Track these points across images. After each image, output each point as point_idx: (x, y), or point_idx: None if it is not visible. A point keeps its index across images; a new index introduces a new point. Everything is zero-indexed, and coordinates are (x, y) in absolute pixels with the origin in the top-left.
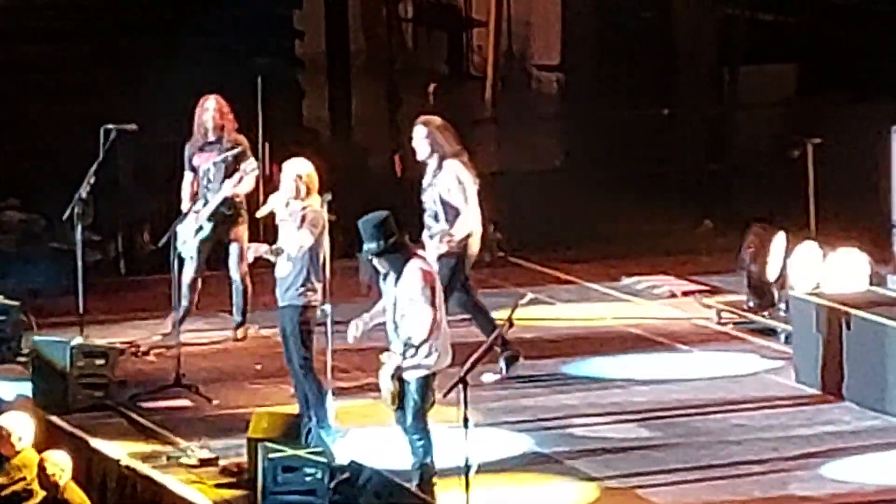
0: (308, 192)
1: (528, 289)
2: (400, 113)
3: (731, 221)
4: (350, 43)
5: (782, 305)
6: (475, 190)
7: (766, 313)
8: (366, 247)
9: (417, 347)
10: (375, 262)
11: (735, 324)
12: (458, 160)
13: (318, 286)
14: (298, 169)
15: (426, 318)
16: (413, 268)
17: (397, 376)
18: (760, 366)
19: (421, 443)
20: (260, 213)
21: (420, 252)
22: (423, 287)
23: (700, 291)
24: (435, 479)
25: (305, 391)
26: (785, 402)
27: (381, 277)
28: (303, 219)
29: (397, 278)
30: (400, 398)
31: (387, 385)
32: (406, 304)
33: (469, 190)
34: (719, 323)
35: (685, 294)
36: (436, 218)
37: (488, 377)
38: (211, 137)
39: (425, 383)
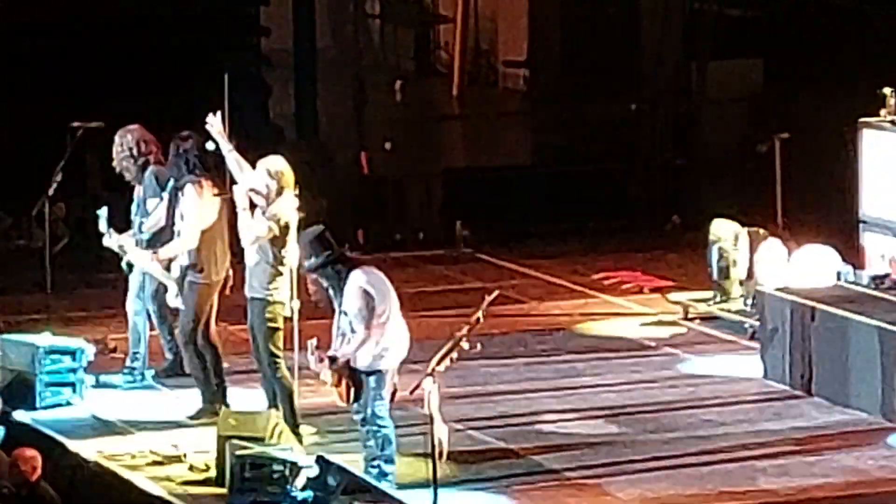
0: (280, 190)
1: (495, 285)
2: (367, 110)
3: (698, 217)
4: (317, 40)
5: (749, 301)
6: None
7: (732, 309)
8: (304, 263)
9: (344, 356)
10: (315, 276)
11: (702, 320)
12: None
13: (283, 282)
14: (270, 165)
15: (357, 335)
16: (352, 283)
17: (337, 369)
18: (728, 362)
19: (380, 436)
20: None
21: (362, 262)
22: (360, 308)
23: (667, 287)
24: (393, 472)
25: (273, 387)
26: (753, 397)
27: (329, 290)
28: (263, 212)
29: (339, 292)
30: (357, 392)
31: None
32: (350, 318)
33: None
34: (686, 319)
35: (653, 290)
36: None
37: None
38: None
39: (382, 377)
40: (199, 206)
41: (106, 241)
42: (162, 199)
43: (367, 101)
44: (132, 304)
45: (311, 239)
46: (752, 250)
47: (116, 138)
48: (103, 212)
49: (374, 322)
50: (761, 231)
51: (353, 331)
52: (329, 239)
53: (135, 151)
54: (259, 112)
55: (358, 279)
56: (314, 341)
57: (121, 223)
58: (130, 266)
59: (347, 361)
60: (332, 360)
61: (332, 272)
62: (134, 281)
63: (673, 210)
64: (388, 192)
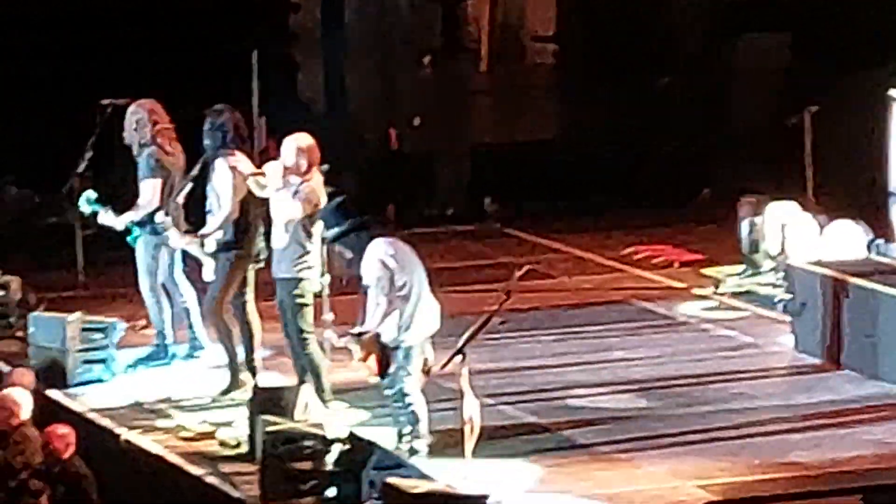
0: (309, 167)
1: (525, 260)
2: (395, 86)
3: (728, 191)
4: (345, 16)
5: (781, 274)
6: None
7: (763, 282)
8: (326, 234)
9: (368, 331)
10: (338, 248)
11: (733, 293)
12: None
13: (313, 259)
14: (300, 142)
15: (378, 307)
16: (373, 255)
17: (365, 344)
18: (759, 335)
19: (409, 411)
20: (249, 173)
21: (384, 232)
22: (379, 278)
23: (698, 261)
24: (424, 448)
25: (303, 363)
26: (784, 370)
27: (353, 262)
28: (296, 192)
29: (360, 261)
30: (386, 367)
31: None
32: (371, 288)
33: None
34: (717, 293)
35: (683, 264)
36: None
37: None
38: None
39: (411, 352)
40: (232, 180)
41: (101, 219)
42: (153, 180)
43: (396, 77)
44: (147, 282)
45: (332, 208)
46: (783, 224)
47: (128, 111)
48: (90, 194)
49: (394, 294)
50: (792, 204)
51: (377, 304)
52: (350, 208)
53: (138, 126)
54: (287, 89)
55: (377, 249)
56: (330, 316)
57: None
58: (136, 241)
59: (376, 336)
60: (359, 334)
61: (354, 241)
62: (142, 260)
63: (703, 184)
64: (416, 168)
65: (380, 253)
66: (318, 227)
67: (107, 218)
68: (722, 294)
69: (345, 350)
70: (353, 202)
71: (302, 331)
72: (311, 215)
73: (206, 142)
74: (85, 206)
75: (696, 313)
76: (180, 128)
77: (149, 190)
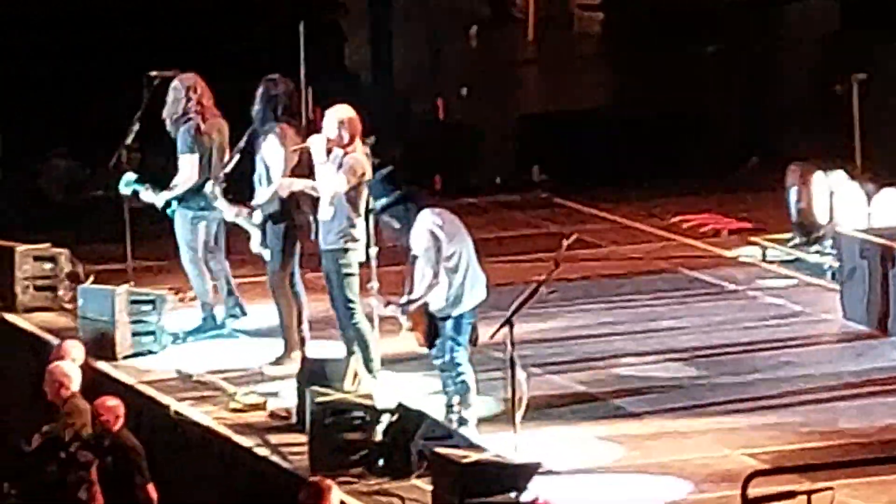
0: (351, 139)
1: (573, 229)
2: (442, 56)
3: (776, 158)
4: None
5: (829, 242)
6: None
7: (812, 250)
8: (373, 204)
9: (415, 300)
10: (385, 218)
11: (782, 261)
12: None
13: (359, 230)
14: (340, 114)
15: (426, 277)
16: (421, 225)
17: (413, 314)
18: (807, 303)
19: (459, 381)
20: (294, 148)
21: (433, 203)
22: (427, 248)
23: (746, 229)
24: (473, 418)
25: (351, 334)
26: (832, 338)
27: (400, 233)
28: (341, 164)
29: (409, 231)
30: (434, 337)
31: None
32: (419, 258)
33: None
34: (766, 261)
35: (731, 232)
36: None
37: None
38: None
39: (459, 322)
40: (283, 152)
41: (143, 196)
42: (192, 155)
43: (443, 48)
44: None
45: (380, 179)
46: (831, 191)
47: (170, 86)
48: (129, 176)
49: (442, 264)
50: (840, 172)
51: (423, 274)
52: (398, 179)
53: (175, 101)
54: (335, 60)
55: (426, 220)
56: (376, 285)
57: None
58: (174, 214)
59: (423, 306)
60: (406, 304)
61: (401, 211)
62: (181, 233)
63: (751, 152)
64: (464, 137)
65: (428, 223)
66: (364, 198)
67: (148, 195)
68: (770, 262)
69: (393, 320)
70: (400, 173)
71: (348, 301)
72: (357, 186)
73: (258, 112)
74: (124, 189)
75: (744, 281)
76: (228, 98)
77: (187, 166)
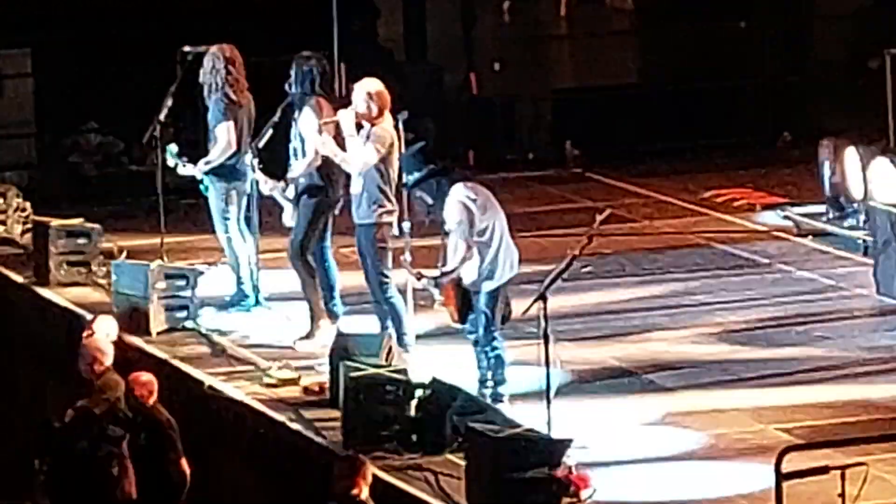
0: (380, 112)
1: (606, 204)
2: (475, 31)
3: (809, 133)
4: None
5: (862, 217)
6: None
7: (846, 225)
8: (405, 179)
9: (448, 273)
10: (418, 193)
11: (815, 235)
12: None
13: (391, 204)
14: (369, 87)
15: (458, 250)
16: (453, 198)
17: (446, 288)
18: (841, 277)
19: (492, 356)
20: (324, 121)
21: (465, 178)
22: (460, 221)
23: (780, 204)
24: (507, 393)
25: (384, 309)
26: (866, 312)
27: (433, 207)
28: (368, 136)
29: (441, 206)
30: (467, 311)
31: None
32: (451, 232)
33: None
34: (799, 235)
35: (765, 207)
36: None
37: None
38: None
39: (493, 297)
40: (318, 125)
41: (182, 171)
42: (227, 122)
43: (476, 22)
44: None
45: (412, 153)
46: (865, 166)
47: (207, 54)
48: (173, 147)
49: (474, 238)
50: (873, 147)
51: (456, 247)
52: (431, 153)
53: (212, 71)
54: (368, 35)
55: (458, 192)
56: (408, 256)
57: None
58: (207, 190)
59: (458, 280)
60: (440, 276)
61: (434, 186)
62: (215, 207)
63: (784, 126)
64: (497, 112)
65: (460, 196)
66: (395, 170)
67: (187, 169)
68: (803, 236)
69: (426, 294)
70: (433, 148)
71: (382, 275)
72: (386, 157)
73: (293, 87)
74: (170, 159)
75: (778, 255)
76: (260, 73)
77: (224, 133)
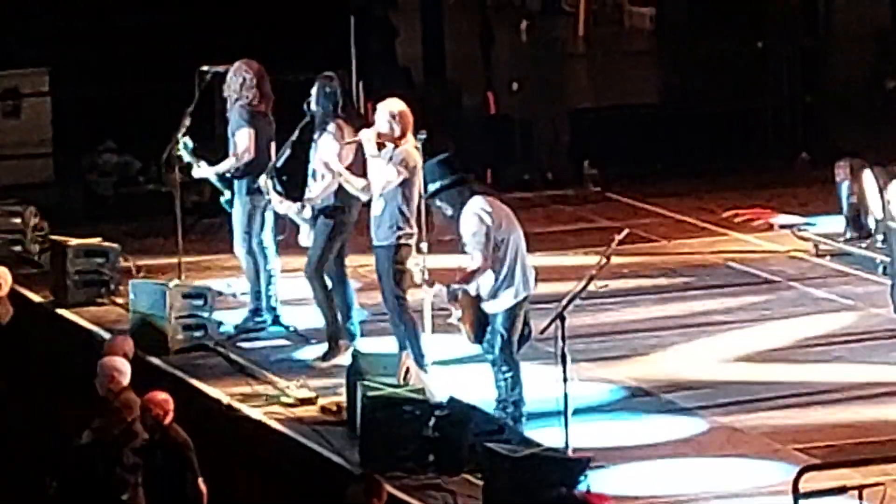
0: (403, 133)
1: (624, 224)
2: (493, 50)
3: (827, 154)
4: None
5: (880, 237)
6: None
7: (863, 245)
8: (428, 188)
9: (461, 281)
10: (438, 203)
11: (833, 256)
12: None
13: (411, 227)
14: (392, 107)
15: (474, 263)
16: (469, 210)
17: (463, 304)
18: (859, 298)
19: (508, 376)
20: (346, 142)
21: (484, 191)
22: (475, 232)
23: (797, 224)
24: (524, 413)
25: (401, 329)
26: (884, 333)
27: (454, 219)
28: (391, 158)
29: (459, 217)
30: (483, 330)
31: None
32: (467, 244)
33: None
34: (817, 255)
35: (782, 227)
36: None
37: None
38: None
39: (510, 315)
40: (338, 149)
41: (196, 172)
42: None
43: (494, 42)
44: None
45: (436, 162)
46: (882, 187)
47: (237, 67)
48: (188, 142)
49: (490, 251)
50: (890, 167)
51: (472, 258)
52: (454, 164)
53: (243, 86)
54: (386, 54)
55: (475, 205)
56: (421, 260)
57: None
58: (230, 204)
59: (472, 299)
60: (455, 291)
61: (454, 196)
62: (238, 222)
63: (801, 147)
64: (515, 132)
65: (476, 208)
66: (416, 192)
67: (201, 171)
68: (821, 256)
69: (444, 311)
70: (457, 158)
71: (398, 296)
72: (408, 179)
73: (316, 107)
74: (184, 153)
75: (796, 276)
76: (280, 92)
77: (245, 138)
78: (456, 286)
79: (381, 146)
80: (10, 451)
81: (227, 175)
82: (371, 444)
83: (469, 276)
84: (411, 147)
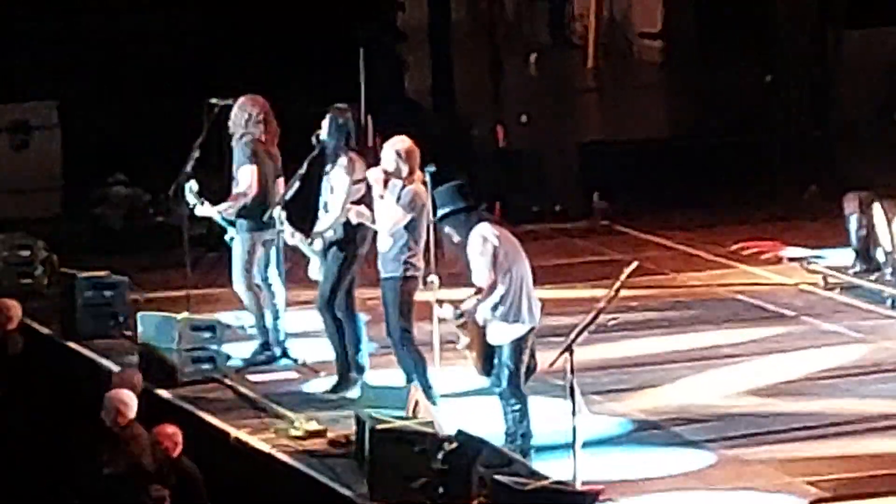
0: (411, 171)
1: (633, 257)
2: (502, 83)
3: (836, 187)
4: (451, 13)
5: (889, 270)
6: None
7: (872, 278)
8: (437, 212)
9: (470, 303)
10: (446, 229)
11: (842, 289)
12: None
13: (418, 262)
14: (398, 146)
15: (482, 282)
16: (477, 233)
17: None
18: (869, 331)
19: (516, 409)
20: (356, 179)
21: (493, 218)
22: (482, 252)
23: (806, 257)
24: (533, 445)
25: (407, 362)
26: (893, 366)
27: (461, 246)
28: (399, 198)
29: (466, 244)
30: (490, 364)
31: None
32: (473, 267)
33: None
34: (826, 288)
35: (791, 260)
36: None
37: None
38: None
39: (516, 348)
40: (349, 182)
41: (199, 211)
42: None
43: (503, 74)
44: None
45: (447, 188)
46: (892, 220)
47: (242, 102)
48: (193, 185)
49: (498, 271)
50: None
51: (478, 280)
52: (465, 191)
53: (248, 121)
54: (395, 86)
55: (482, 229)
56: (436, 279)
57: None
58: (231, 240)
59: (483, 329)
60: (463, 312)
61: (462, 221)
62: (238, 257)
63: (810, 180)
64: (524, 164)
65: (483, 231)
66: (424, 229)
67: (204, 210)
68: (830, 289)
69: (451, 343)
70: (469, 187)
71: (404, 329)
72: (416, 218)
73: (328, 140)
74: (189, 197)
75: (805, 308)
76: (289, 125)
77: (247, 176)
78: (464, 306)
79: (387, 182)
80: (20, 483)
81: (230, 213)
82: (380, 477)
83: (476, 298)
84: (419, 185)
